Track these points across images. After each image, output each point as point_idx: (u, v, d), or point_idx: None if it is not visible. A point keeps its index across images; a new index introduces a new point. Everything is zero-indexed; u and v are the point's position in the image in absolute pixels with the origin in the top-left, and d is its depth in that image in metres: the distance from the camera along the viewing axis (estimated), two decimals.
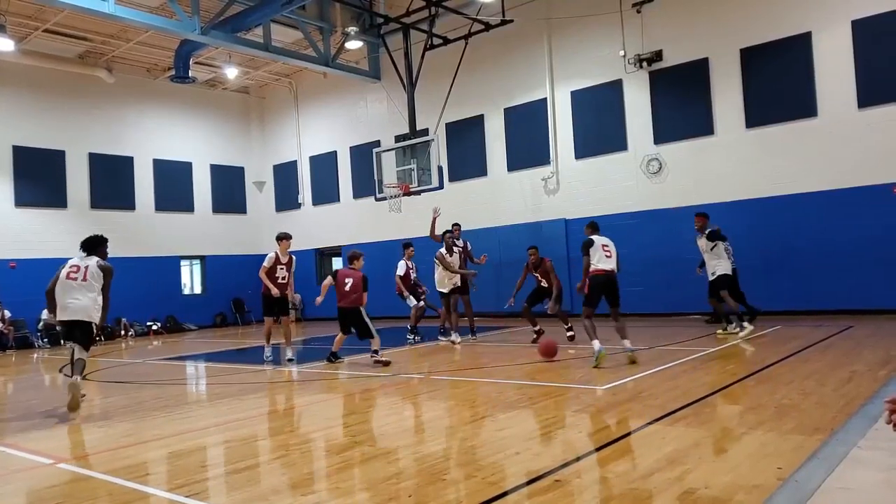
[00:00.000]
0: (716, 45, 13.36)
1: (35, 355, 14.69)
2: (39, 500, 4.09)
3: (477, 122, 16.89)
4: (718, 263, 9.82)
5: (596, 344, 7.63)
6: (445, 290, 11.06)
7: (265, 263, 9.68)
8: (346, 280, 8.86)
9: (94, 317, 6.70)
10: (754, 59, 12.93)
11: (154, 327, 18.77)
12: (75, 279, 6.67)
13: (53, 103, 17.94)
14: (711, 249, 9.86)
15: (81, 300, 6.63)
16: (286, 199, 21.71)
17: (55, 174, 17.85)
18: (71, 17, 15.29)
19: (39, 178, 17.54)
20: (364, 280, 8.89)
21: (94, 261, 6.82)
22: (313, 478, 4.13)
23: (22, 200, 17.15)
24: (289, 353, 9.83)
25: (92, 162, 18.55)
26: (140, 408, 7.00)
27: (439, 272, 11.02)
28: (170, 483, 4.18)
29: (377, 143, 17.25)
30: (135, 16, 13.97)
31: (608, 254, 8.04)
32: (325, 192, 20.58)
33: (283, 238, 10.01)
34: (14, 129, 17.15)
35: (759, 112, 12.92)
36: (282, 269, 9.76)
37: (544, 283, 10.48)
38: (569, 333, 10.21)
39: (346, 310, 8.90)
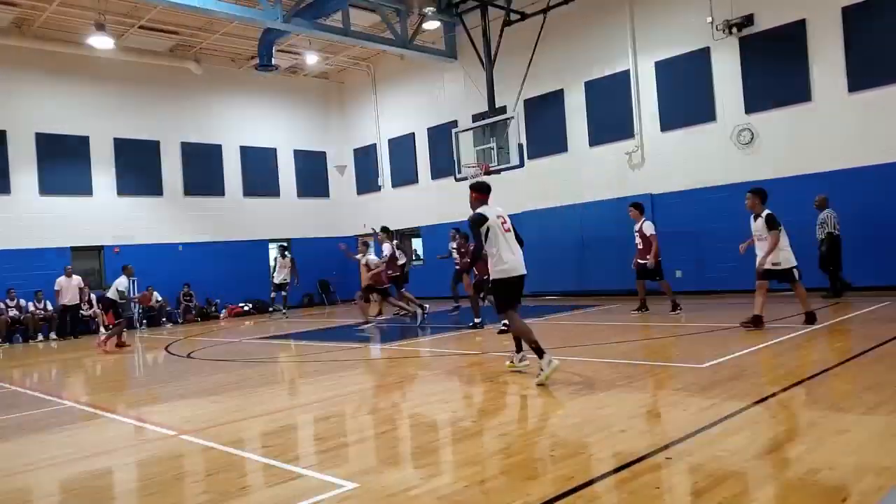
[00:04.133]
0: (814, 4, 12.54)
1: (137, 335, 15.65)
2: (173, 468, 4.39)
3: (556, 97, 16.58)
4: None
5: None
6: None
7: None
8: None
9: None
10: (858, 18, 12.06)
11: (246, 308, 19.59)
12: None
13: (148, 96, 18.86)
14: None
15: None
16: (366, 181, 22.06)
17: (151, 164, 18.79)
18: (163, 12, 15.97)
19: (137, 168, 18.51)
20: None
21: None
22: (423, 451, 4.23)
23: (123, 190, 18.20)
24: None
25: (184, 151, 19.43)
26: (246, 384, 7.36)
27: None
28: (286, 455, 4.38)
29: (454, 124, 17.23)
30: (221, 7, 14.44)
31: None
32: (404, 174, 20.78)
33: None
34: (114, 122, 18.16)
35: (864, 75, 12.08)
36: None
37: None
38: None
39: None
